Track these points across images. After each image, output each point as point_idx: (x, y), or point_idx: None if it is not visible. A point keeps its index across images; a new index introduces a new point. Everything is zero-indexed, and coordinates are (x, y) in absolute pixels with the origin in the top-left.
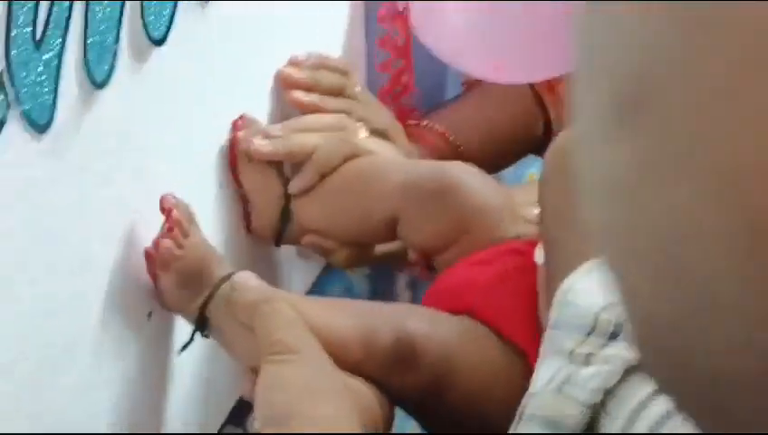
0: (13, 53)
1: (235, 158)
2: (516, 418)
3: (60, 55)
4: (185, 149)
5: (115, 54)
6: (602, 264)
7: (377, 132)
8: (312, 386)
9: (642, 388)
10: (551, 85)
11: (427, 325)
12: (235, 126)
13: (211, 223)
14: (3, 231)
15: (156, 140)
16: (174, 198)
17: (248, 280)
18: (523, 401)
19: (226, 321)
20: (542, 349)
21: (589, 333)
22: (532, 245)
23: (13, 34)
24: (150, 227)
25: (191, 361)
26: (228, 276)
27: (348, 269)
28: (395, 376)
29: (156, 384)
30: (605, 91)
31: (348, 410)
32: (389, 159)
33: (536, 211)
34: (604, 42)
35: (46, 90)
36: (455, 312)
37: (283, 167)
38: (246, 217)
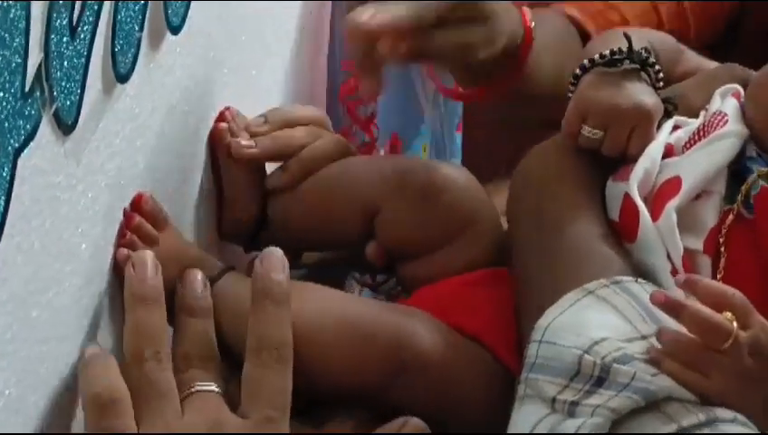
0: (52, 40)
1: (215, 150)
2: None
3: (90, 44)
4: (195, 143)
5: (139, 44)
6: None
7: None
8: None
9: None
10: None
11: (436, 339)
12: (221, 116)
13: None
14: (19, 244)
15: (167, 138)
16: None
17: None
18: None
19: None
20: (518, 391)
21: (572, 378)
22: None
23: (54, 22)
24: None
25: None
26: None
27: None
28: (392, 386)
29: None
30: None
31: None
32: (371, 156)
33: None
34: None
35: (75, 85)
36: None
37: (265, 164)
38: (219, 214)
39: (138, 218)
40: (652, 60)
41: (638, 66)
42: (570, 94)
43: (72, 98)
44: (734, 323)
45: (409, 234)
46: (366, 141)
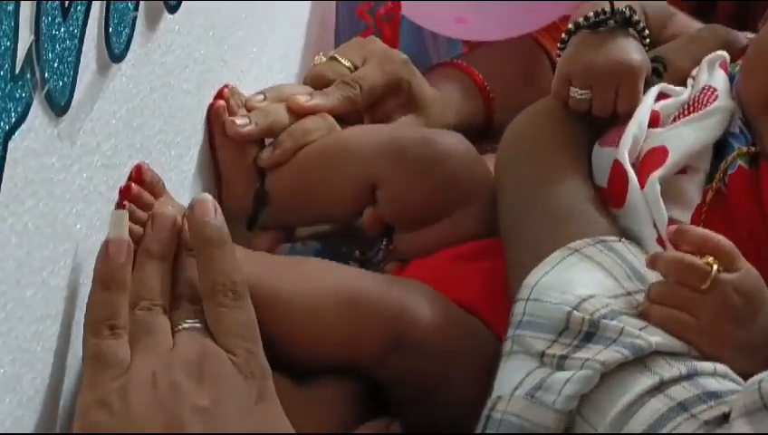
0: (43, 22)
1: (212, 128)
2: (483, 420)
3: (83, 25)
4: (195, 122)
5: (133, 23)
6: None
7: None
8: None
9: (627, 391)
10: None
11: (435, 312)
12: (220, 94)
13: None
14: (13, 225)
15: (165, 117)
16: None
17: None
18: (489, 402)
19: None
20: (505, 347)
21: (560, 333)
22: None
23: (45, 3)
24: None
25: None
26: None
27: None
28: (389, 357)
29: None
30: None
31: None
32: (372, 125)
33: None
34: None
35: (68, 67)
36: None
37: (264, 142)
38: (218, 194)
39: (136, 189)
40: (636, 18)
41: (621, 25)
42: (557, 59)
43: (65, 79)
44: (715, 266)
45: (409, 206)
46: None
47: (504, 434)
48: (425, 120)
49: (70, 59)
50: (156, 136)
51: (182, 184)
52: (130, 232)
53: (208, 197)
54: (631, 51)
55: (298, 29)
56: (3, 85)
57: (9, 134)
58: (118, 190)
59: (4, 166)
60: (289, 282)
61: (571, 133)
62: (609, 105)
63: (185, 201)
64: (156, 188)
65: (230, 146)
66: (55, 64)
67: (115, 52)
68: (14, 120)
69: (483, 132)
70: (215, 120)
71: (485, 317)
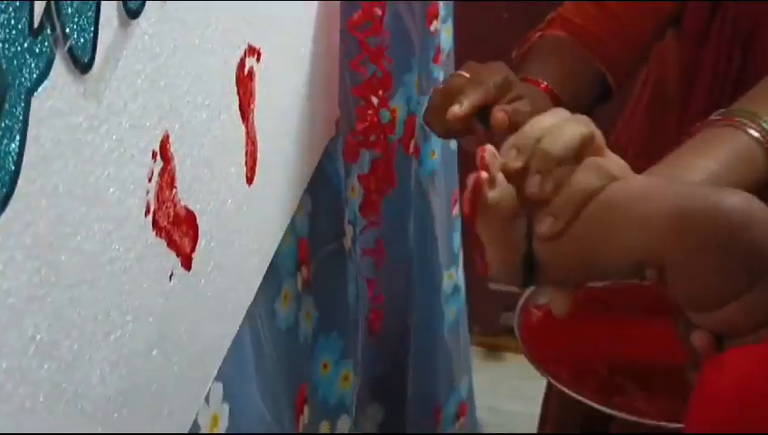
0: None
1: (474, 206)
2: None
3: None
4: (223, 84)
5: None
6: None
7: None
8: None
9: None
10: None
11: None
12: (482, 163)
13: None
14: (42, 186)
15: (192, 77)
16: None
17: None
18: None
19: None
20: None
21: None
22: None
23: None
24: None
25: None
26: None
27: None
28: None
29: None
30: None
31: None
32: (644, 183)
33: None
34: None
35: (88, 21)
36: None
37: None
38: (483, 265)
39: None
40: None
41: None
42: None
43: (86, 35)
44: None
45: (701, 288)
46: (379, 76)
47: None
48: (531, 104)
49: (89, 14)
50: (184, 97)
51: (214, 147)
52: None
53: None
54: None
55: None
56: (21, 40)
57: (31, 90)
58: (151, 155)
59: (28, 122)
60: None
61: None
62: None
63: (216, 165)
64: None
65: (496, 219)
66: (75, 19)
67: (131, 7)
68: (35, 75)
69: None
70: (476, 195)
71: None
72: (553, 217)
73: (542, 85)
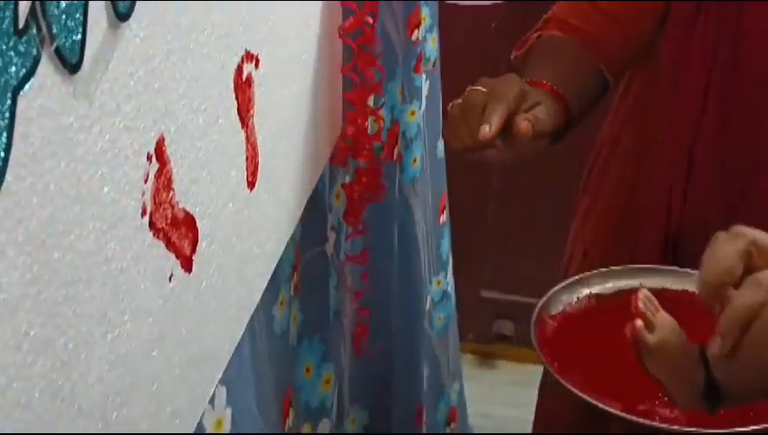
0: None
1: (639, 351)
2: None
3: None
4: (220, 89)
5: None
6: None
7: None
8: None
9: None
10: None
11: None
12: (636, 310)
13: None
14: (32, 184)
15: (188, 81)
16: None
17: None
18: None
19: None
20: None
21: None
22: None
23: None
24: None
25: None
26: None
27: None
28: None
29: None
30: None
31: None
32: None
33: None
34: None
35: (76, 23)
36: None
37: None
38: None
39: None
40: None
41: None
42: None
43: (74, 37)
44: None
45: None
46: (368, 84)
47: None
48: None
49: (77, 15)
50: (180, 100)
51: (212, 151)
52: None
53: None
54: None
55: None
56: (6, 39)
57: (17, 88)
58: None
59: (14, 119)
60: None
61: None
62: None
63: (214, 169)
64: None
65: (664, 358)
66: (62, 20)
67: (121, 10)
68: (21, 74)
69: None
70: (637, 342)
71: None
72: (721, 338)
73: (546, 86)
